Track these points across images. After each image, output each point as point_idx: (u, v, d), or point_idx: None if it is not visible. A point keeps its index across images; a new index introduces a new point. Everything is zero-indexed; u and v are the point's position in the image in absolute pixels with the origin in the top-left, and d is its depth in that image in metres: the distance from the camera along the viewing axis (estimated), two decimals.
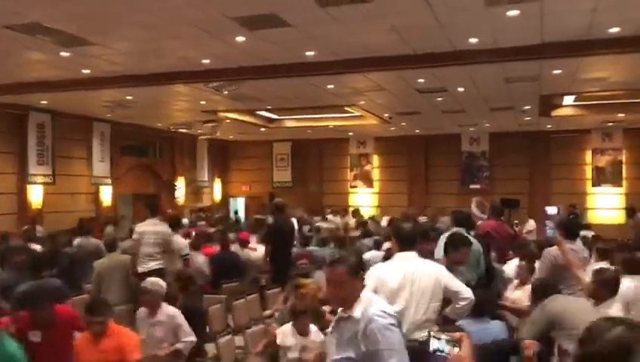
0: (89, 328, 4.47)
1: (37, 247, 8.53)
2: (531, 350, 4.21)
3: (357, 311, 3.01)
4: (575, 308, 4.26)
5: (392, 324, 2.99)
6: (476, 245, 6.46)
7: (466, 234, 5.88)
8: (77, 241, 10.00)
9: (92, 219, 13.80)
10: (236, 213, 21.17)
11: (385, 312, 3.02)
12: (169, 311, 5.31)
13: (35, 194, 14.46)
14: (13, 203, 14.14)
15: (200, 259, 8.78)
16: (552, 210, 17.17)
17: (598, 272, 4.84)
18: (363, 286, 3.20)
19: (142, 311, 5.50)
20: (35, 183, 14.37)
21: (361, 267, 3.27)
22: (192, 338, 5.27)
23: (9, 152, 14.12)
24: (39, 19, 7.35)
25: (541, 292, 4.60)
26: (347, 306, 3.07)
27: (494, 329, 4.66)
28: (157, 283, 5.42)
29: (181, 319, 5.26)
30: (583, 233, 11.40)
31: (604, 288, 4.62)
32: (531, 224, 14.37)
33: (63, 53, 8.99)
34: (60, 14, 7.16)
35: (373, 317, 2.96)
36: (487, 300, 4.74)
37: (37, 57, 9.30)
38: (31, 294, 5.36)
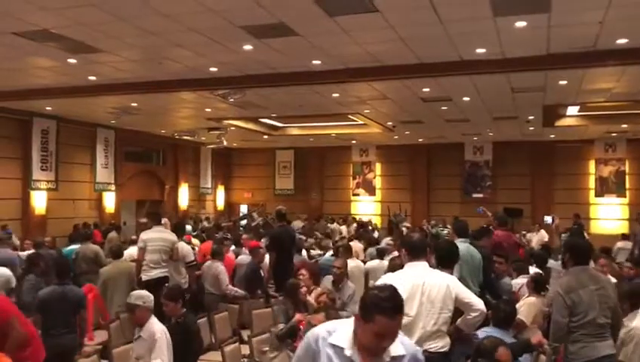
0: None
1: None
2: (544, 344, 4.23)
3: (398, 348, 2.51)
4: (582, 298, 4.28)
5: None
6: (477, 255, 6.44)
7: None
8: (76, 248, 9.99)
9: (86, 225, 13.71)
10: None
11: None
12: (152, 328, 4.83)
13: (39, 200, 14.48)
14: (17, 208, 14.14)
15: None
16: (549, 219, 16.87)
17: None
18: None
19: None
20: (38, 189, 14.38)
21: None
22: None
23: (13, 158, 14.14)
24: (48, 26, 7.37)
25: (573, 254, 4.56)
26: None
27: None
28: (142, 297, 4.95)
29: (161, 341, 4.74)
30: (620, 244, 11.58)
31: (629, 300, 4.65)
32: (543, 234, 13.98)
33: (70, 60, 9.03)
34: (68, 21, 7.18)
35: (418, 350, 2.67)
36: (513, 313, 4.71)
37: (44, 64, 9.33)
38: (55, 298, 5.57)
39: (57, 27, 7.45)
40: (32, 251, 9.01)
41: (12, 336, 3.80)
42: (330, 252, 9.89)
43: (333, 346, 2.50)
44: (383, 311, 2.34)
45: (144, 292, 5.02)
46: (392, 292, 2.43)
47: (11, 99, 11.96)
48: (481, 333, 4.27)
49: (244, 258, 9.08)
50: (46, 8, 6.70)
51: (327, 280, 7.09)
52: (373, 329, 2.36)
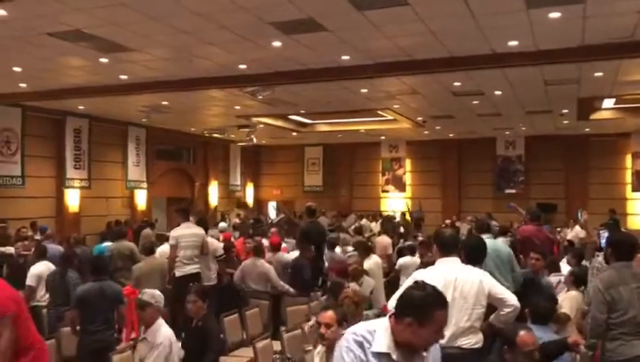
0: None
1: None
2: (580, 344, 4.11)
3: None
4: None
5: None
6: (504, 250, 6.34)
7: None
8: (112, 245, 10.17)
9: (118, 223, 13.88)
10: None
11: None
12: (158, 331, 4.63)
13: (72, 198, 14.75)
14: (52, 207, 14.43)
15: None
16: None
17: None
18: None
19: None
20: (72, 187, 14.66)
21: None
22: None
23: (47, 157, 14.42)
24: (80, 26, 7.47)
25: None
26: None
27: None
28: (155, 296, 4.76)
29: (162, 347, 4.52)
30: None
31: None
32: (578, 230, 12.96)
33: (102, 59, 9.14)
34: (99, 21, 7.26)
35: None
36: (551, 309, 4.61)
37: (77, 63, 9.47)
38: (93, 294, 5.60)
39: (89, 27, 7.54)
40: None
41: (3, 337, 3.46)
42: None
43: (379, 354, 2.47)
44: (439, 306, 2.42)
45: (156, 292, 4.88)
46: (432, 286, 2.51)
47: (45, 99, 12.17)
48: None
49: (269, 255, 9.03)
50: (79, 9, 6.79)
51: None
52: (434, 328, 2.41)
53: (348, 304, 5.26)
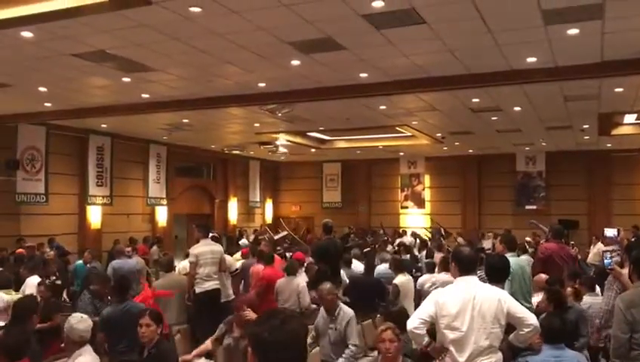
0: None
1: None
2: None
3: None
4: None
5: None
6: (528, 269, 6.27)
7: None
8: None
9: (132, 240, 13.98)
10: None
11: None
12: (85, 357, 4.30)
13: (94, 215, 14.94)
14: (74, 223, 14.64)
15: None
16: (610, 232, 15.91)
17: None
18: None
19: None
20: (94, 204, 14.85)
21: None
22: None
23: (71, 174, 14.66)
24: (104, 47, 7.63)
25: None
26: None
27: (570, 358, 4.44)
28: (84, 323, 4.39)
29: None
30: None
31: None
32: (601, 247, 12.80)
33: (125, 79, 9.31)
34: (122, 42, 7.41)
35: None
36: (564, 328, 4.55)
37: (100, 83, 9.65)
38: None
39: (113, 48, 7.70)
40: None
41: None
42: (386, 265, 9.74)
43: None
44: None
45: (83, 317, 4.49)
46: None
47: (69, 117, 12.38)
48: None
49: None
50: (103, 30, 6.94)
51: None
52: None
53: None
